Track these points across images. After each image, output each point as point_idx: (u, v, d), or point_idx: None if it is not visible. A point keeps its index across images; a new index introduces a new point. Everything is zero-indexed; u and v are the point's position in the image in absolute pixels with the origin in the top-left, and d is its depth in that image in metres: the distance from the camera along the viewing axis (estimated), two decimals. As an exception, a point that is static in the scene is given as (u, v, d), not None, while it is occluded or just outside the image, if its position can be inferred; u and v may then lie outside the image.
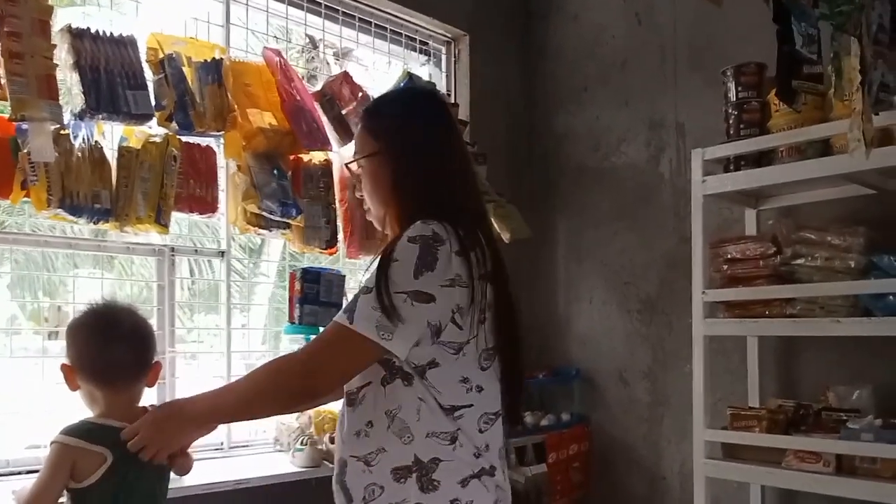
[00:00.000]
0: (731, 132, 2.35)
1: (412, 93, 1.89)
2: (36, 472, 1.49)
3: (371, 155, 1.34)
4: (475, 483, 1.22)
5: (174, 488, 1.65)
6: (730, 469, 2.27)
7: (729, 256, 2.34)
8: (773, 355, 2.56)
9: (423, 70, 3.13)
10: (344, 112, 2.49)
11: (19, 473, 1.94)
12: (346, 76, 2.53)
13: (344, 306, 1.22)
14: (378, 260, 1.21)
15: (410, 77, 2.68)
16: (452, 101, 3.08)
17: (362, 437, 1.24)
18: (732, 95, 2.36)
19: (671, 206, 2.91)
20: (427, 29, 3.15)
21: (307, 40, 3.84)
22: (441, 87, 3.10)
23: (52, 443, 1.42)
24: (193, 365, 3.27)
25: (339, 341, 1.20)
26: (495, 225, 2.79)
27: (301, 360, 1.24)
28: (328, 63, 3.43)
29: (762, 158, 2.29)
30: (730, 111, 2.37)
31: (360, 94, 2.54)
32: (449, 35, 3.22)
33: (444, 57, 3.23)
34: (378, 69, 3.06)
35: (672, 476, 2.88)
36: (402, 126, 1.34)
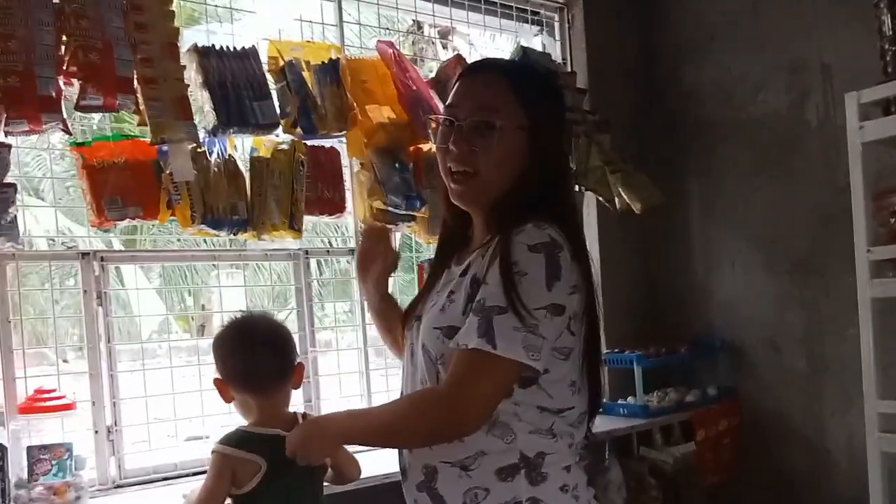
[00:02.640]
0: (890, 70, 2.09)
1: (554, 78, 1.74)
2: (200, 473, 1.57)
3: (519, 128, 1.19)
4: (575, 468, 1.21)
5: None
6: (911, 443, 2.06)
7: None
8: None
9: (537, 41, 3.00)
10: (460, 96, 2.44)
11: (187, 476, 2.05)
12: (458, 59, 2.48)
13: (468, 330, 1.10)
14: (497, 274, 1.10)
15: (524, 51, 2.58)
16: (569, 70, 2.94)
17: (456, 443, 1.16)
18: (888, 28, 2.08)
19: (820, 155, 2.65)
20: (538, -3, 3.00)
21: (413, 24, 3.80)
22: (556, 56, 2.96)
23: (211, 452, 1.51)
24: (330, 355, 3.36)
25: (483, 370, 1.09)
26: (624, 196, 2.66)
27: (445, 394, 1.13)
28: (433, 43, 3.38)
29: (929, 96, 2.03)
30: (886, 47, 2.09)
31: (475, 75, 2.47)
32: (561, 0, 3.07)
33: (556, 24, 3.06)
34: (484, 45, 2.97)
35: (838, 450, 2.66)
36: (553, 111, 1.26)
